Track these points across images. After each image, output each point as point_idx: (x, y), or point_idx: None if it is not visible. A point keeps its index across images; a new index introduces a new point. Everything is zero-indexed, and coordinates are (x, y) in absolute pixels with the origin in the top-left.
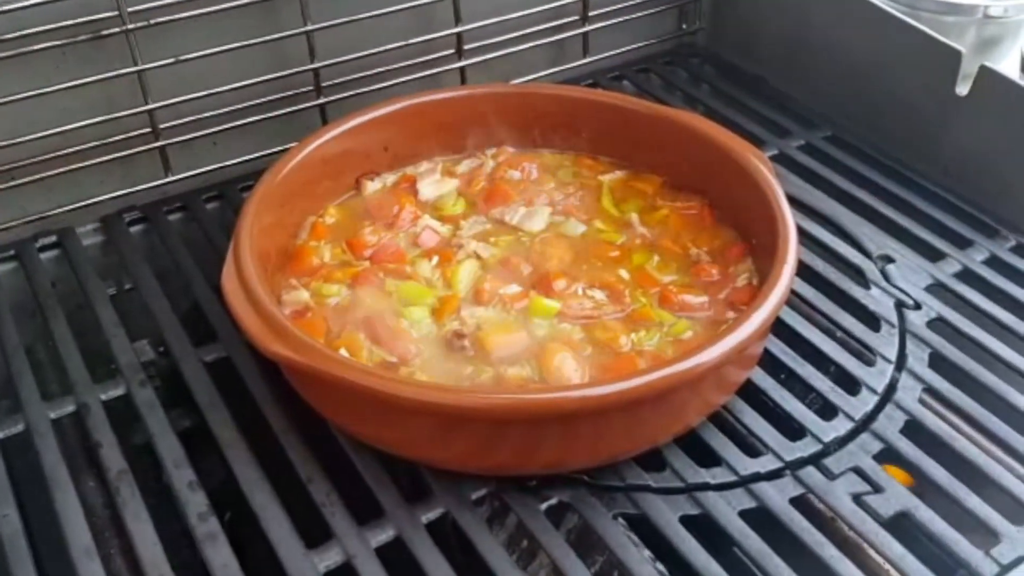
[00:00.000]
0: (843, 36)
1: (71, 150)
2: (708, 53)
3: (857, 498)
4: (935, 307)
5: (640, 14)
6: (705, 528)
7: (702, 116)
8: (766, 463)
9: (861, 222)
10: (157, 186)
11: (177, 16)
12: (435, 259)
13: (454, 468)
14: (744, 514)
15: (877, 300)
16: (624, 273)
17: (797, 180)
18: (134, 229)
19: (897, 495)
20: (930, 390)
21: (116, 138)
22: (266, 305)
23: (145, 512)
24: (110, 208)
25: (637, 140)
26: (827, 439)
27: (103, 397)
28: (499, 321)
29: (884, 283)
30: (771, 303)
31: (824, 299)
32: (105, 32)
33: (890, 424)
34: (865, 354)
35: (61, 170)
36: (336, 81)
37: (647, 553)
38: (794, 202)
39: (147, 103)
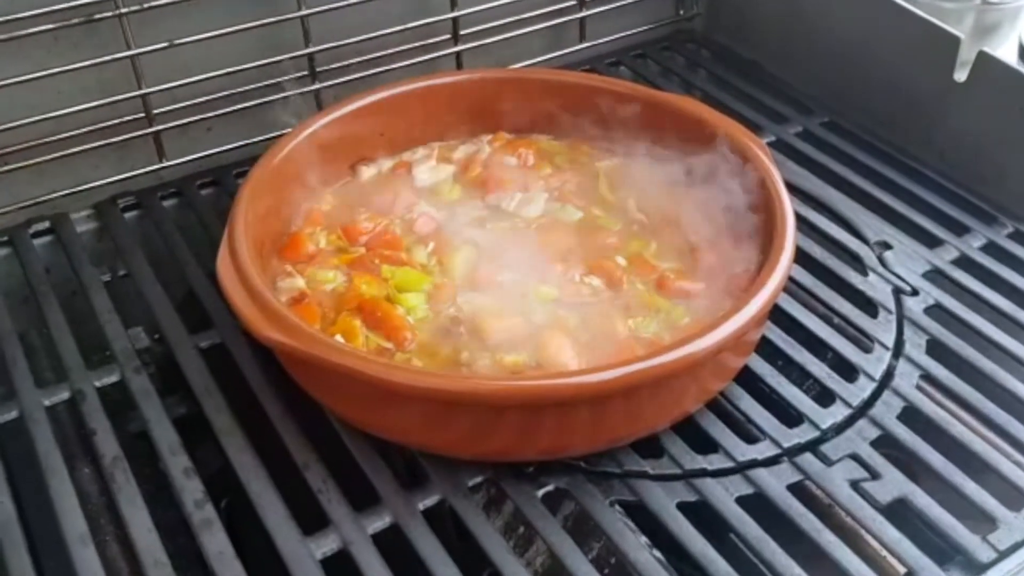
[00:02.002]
0: (841, 22)
1: (64, 135)
2: (705, 39)
3: (854, 484)
4: (933, 294)
5: None
6: (702, 515)
7: (699, 101)
8: (763, 449)
9: (858, 208)
10: (151, 171)
11: (171, 0)
12: (431, 245)
13: (451, 454)
14: (741, 500)
15: (874, 287)
16: (621, 260)
17: (794, 166)
18: (128, 215)
19: (894, 481)
20: (927, 377)
21: (110, 123)
22: (261, 291)
23: (140, 499)
24: (104, 194)
25: (634, 126)
26: (824, 426)
27: (97, 384)
28: (495, 307)
29: (881, 269)
30: (769, 290)
31: (821, 286)
32: (98, 16)
33: (887, 411)
34: (862, 341)
35: (54, 155)
36: (331, 66)
37: (644, 539)
38: (791, 188)
39: (141, 88)
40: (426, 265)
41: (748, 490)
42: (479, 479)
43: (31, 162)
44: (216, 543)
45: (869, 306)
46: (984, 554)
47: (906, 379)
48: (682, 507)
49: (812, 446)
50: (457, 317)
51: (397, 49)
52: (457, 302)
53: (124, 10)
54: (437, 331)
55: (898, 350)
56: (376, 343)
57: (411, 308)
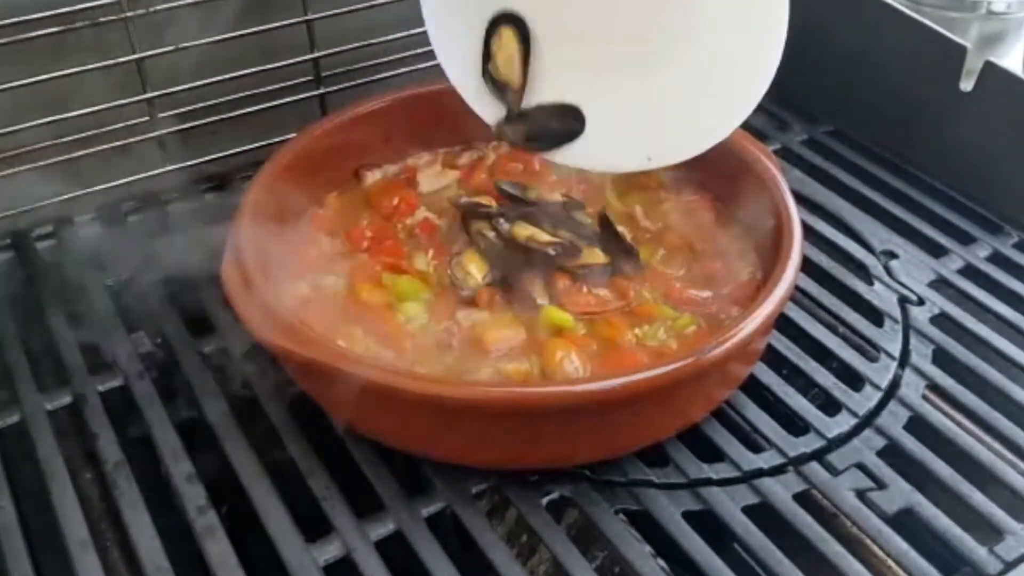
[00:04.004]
0: (846, 30)
1: (68, 139)
2: None
3: (860, 494)
4: (938, 303)
5: None
6: (707, 524)
7: None
8: (769, 459)
9: (864, 217)
10: (155, 175)
11: (176, 4)
12: (431, 252)
13: (455, 462)
14: (747, 510)
15: (880, 295)
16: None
17: (799, 174)
18: (132, 219)
19: (901, 491)
20: (933, 386)
21: (114, 127)
22: (266, 296)
23: (142, 504)
24: (108, 197)
25: None
26: (830, 435)
27: (100, 389)
28: (498, 316)
29: (887, 278)
30: (775, 299)
31: (827, 294)
32: (103, 19)
33: (894, 420)
34: (868, 350)
35: (58, 159)
36: (336, 71)
37: (648, 548)
38: (796, 197)
39: (146, 91)
40: (426, 273)
41: (754, 499)
42: (483, 486)
43: (35, 165)
44: (219, 550)
45: (875, 315)
46: (991, 565)
47: (912, 389)
48: (687, 516)
49: (818, 455)
50: (458, 327)
51: (402, 54)
52: (456, 317)
53: (130, 13)
54: (437, 340)
55: (904, 359)
56: (375, 351)
57: (411, 317)
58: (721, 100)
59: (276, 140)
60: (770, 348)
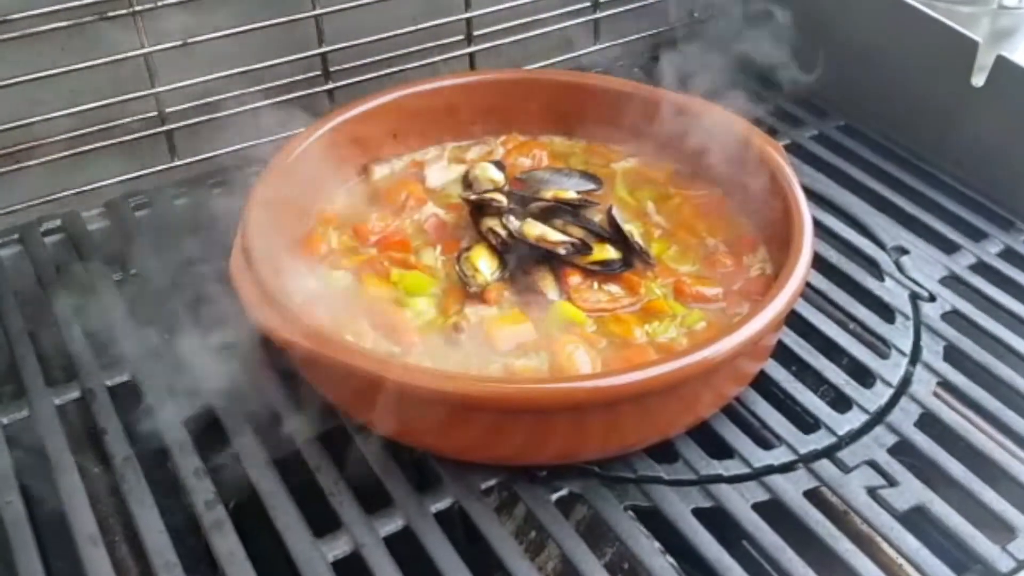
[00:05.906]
0: (857, 24)
1: (76, 133)
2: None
3: (871, 492)
4: (950, 299)
5: (651, 1)
6: (717, 521)
7: (715, 104)
8: (779, 455)
9: (875, 213)
10: (163, 170)
11: None
12: (439, 247)
13: (463, 458)
14: (757, 507)
15: (891, 292)
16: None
17: (810, 170)
18: (139, 214)
19: (912, 489)
20: (945, 383)
21: (122, 121)
22: (274, 292)
23: (150, 499)
24: (115, 192)
25: (649, 127)
26: (841, 432)
27: (108, 383)
28: (505, 314)
29: (898, 275)
30: (786, 295)
31: (838, 290)
32: (112, 13)
33: (905, 417)
34: (879, 346)
35: (66, 153)
36: (344, 66)
37: (658, 545)
38: (807, 192)
39: (154, 86)
40: (434, 268)
41: (764, 496)
42: (492, 482)
43: (42, 160)
44: (227, 544)
45: (886, 311)
46: (1003, 563)
47: (923, 385)
48: (697, 513)
49: (829, 452)
50: (459, 324)
51: (410, 49)
52: (464, 312)
53: (138, 8)
54: (445, 336)
55: (915, 356)
56: (383, 346)
57: (419, 312)
58: None
59: (284, 135)
60: (781, 345)
